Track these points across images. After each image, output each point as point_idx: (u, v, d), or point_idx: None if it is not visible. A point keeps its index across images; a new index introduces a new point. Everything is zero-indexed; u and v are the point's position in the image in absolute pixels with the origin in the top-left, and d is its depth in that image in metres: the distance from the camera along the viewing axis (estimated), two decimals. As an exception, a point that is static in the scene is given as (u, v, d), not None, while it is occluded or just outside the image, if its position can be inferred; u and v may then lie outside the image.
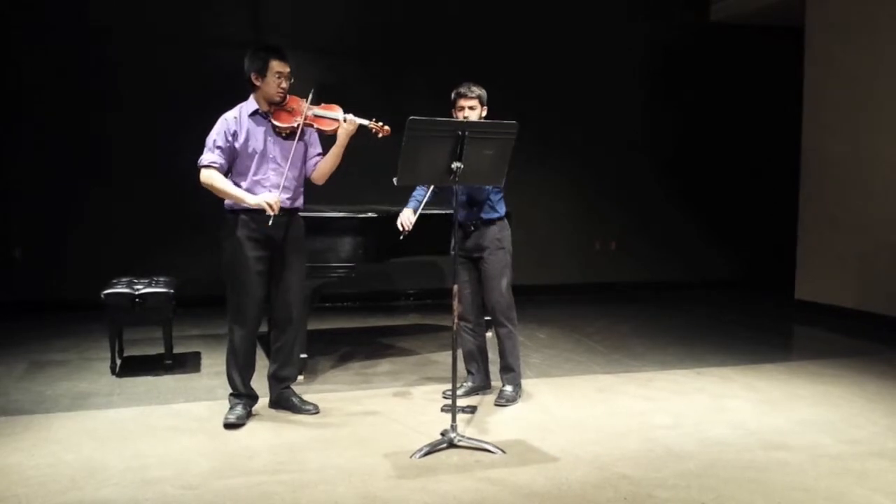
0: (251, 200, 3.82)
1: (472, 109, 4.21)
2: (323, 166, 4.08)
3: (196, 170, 3.89)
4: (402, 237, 4.31)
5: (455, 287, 3.77)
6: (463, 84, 4.26)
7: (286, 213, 3.98)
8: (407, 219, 4.33)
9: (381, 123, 3.95)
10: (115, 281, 5.08)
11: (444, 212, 5.13)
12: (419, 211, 4.34)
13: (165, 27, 7.31)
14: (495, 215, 4.36)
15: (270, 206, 3.76)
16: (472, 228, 4.36)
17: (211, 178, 3.86)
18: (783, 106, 8.73)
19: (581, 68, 8.42)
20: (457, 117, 4.22)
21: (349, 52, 7.69)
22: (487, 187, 4.21)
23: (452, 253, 4.41)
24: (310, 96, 3.96)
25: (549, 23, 8.29)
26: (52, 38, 7.07)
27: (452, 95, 4.29)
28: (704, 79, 9.02)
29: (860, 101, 7.13)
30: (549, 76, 8.20)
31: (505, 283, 4.37)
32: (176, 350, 5.20)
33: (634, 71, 8.75)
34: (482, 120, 4.23)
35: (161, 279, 5.16)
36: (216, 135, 3.89)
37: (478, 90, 4.24)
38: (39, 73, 7.08)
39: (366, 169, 6.03)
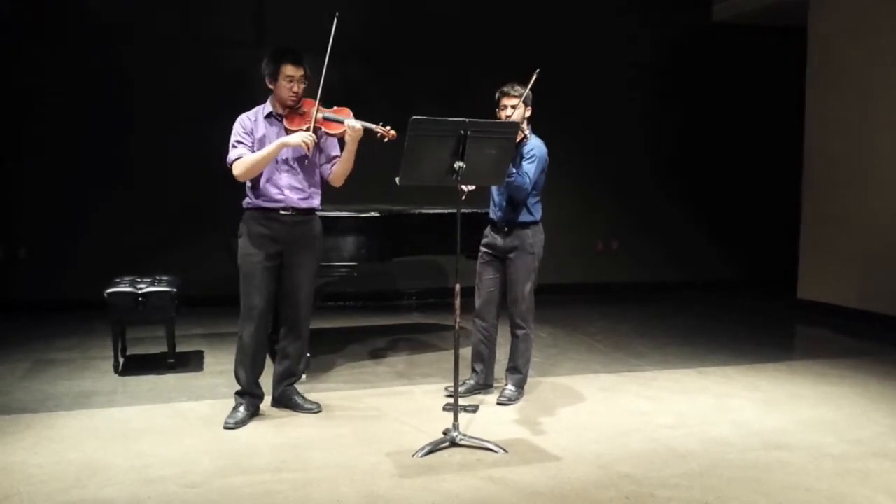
0: (291, 140, 3.86)
1: (514, 108, 4.23)
2: (337, 169, 4.11)
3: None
4: (464, 197, 4.16)
5: (457, 286, 3.77)
6: (507, 83, 4.28)
7: (298, 212, 4.01)
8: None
9: (387, 127, 3.94)
10: (118, 280, 5.09)
11: (447, 211, 5.14)
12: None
13: (169, 28, 7.31)
14: (530, 218, 4.36)
15: (307, 144, 3.82)
16: (507, 229, 4.37)
17: (242, 162, 3.90)
18: (785, 105, 8.72)
19: (583, 68, 8.41)
20: (500, 117, 4.26)
21: (351, 51, 7.67)
22: (527, 188, 4.22)
23: (481, 250, 4.45)
24: (322, 78, 3.91)
25: (551, 22, 8.28)
26: (57, 38, 7.07)
27: (496, 95, 4.31)
28: (707, 78, 9.01)
29: (863, 100, 7.12)
30: (550, 75, 8.04)
31: (528, 287, 4.37)
32: (179, 349, 5.21)
33: (636, 71, 8.73)
34: (524, 120, 4.27)
35: (164, 278, 5.17)
36: (235, 134, 3.97)
37: (521, 89, 4.25)
38: (44, 73, 7.08)
39: (368, 168, 6.02)
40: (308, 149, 3.84)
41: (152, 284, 5.02)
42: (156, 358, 5.29)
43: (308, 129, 3.91)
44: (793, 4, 7.97)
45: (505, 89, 4.28)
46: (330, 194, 4.62)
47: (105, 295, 4.88)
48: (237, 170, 3.91)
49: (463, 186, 4.19)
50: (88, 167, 7.18)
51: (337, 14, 3.84)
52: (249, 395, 4.08)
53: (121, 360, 5.07)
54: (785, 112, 8.74)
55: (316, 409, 4.17)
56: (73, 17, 7.11)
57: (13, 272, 7.10)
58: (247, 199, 4.03)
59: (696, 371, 5.19)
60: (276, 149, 3.89)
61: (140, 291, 4.92)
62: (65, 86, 7.13)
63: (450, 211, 4.83)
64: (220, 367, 5.06)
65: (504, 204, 4.36)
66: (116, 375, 4.93)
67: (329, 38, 3.88)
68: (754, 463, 3.50)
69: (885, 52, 6.86)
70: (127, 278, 5.12)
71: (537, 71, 4.00)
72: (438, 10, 7.98)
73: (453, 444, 3.60)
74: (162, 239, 7.20)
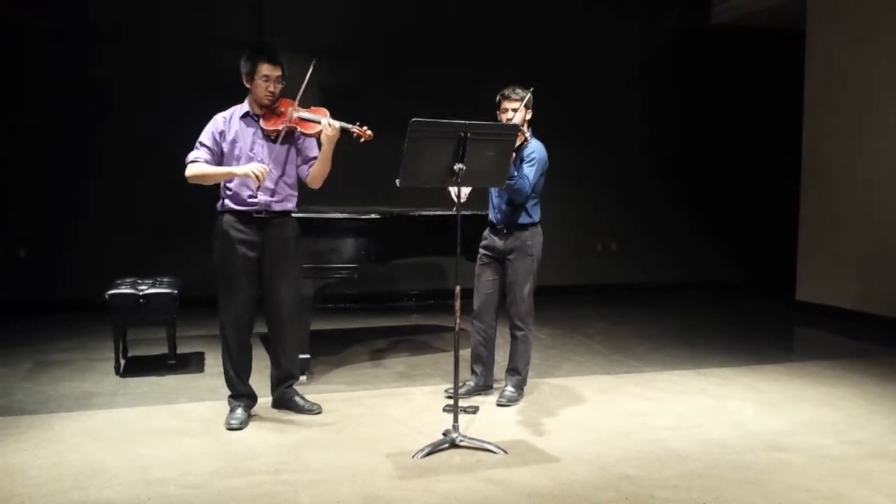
0: (239, 171, 3.82)
1: (515, 112, 4.23)
2: (314, 171, 4.06)
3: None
4: (455, 209, 4.25)
5: (457, 288, 3.77)
6: (508, 87, 4.29)
7: (273, 215, 3.98)
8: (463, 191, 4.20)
9: (364, 127, 3.90)
10: (119, 281, 5.10)
11: (446, 213, 5.15)
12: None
13: (167, 27, 7.33)
14: (529, 220, 4.37)
15: (256, 176, 3.75)
16: (505, 231, 4.38)
17: (194, 168, 3.87)
18: (784, 108, 8.73)
19: (583, 70, 8.43)
20: (501, 119, 4.27)
21: (351, 53, 7.70)
22: (527, 191, 4.23)
23: (480, 252, 4.46)
24: (304, 84, 3.88)
25: (551, 25, 8.30)
26: (55, 37, 7.08)
27: (497, 98, 4.32)
28: (706, 81, 9.03)
29: (860, 102, 7.13)
30: (550, 78, 8.11)
31: (527, 288, 4.38)
32: (179, 350, 5.23)
33: (636, 73, 8.76)
34: (525, 123, 4.28)
35: (165, 279, 5.18)
36: (203, 134, 3.95)
37: (522, 92, 4.25)
38: (42, 72, 7.10)
39: (368, 170, 6.04)
40: (258, 181, 3.75)
41: (153, 286, 5.03)
42: (156, 359, 5.30)
43: (283, 129, 3.90)
44: (791, 7, 7.99)
45: (506, 92, 4.29)
46: (330, 196, 4.63)
47: (106, 296, 4.89)
48: (189, 172, 3.88)
49: (456, 193, 4.23)
50: (89, 167, 7.19)
51: (315, 60, 3.85)
52: (245, 397, 4.10)
53: (122, 362, 5.08)
54: (783, 114, 8.76)
55: (316, 410, 4.17)
56: (73, 18, 7.11)
57: (14, 273, 7.11)
58: (220, 202, 3.98)
59: (695, 372, 5.20)
60: (224, 173, 3.86)
61: (141, 293, 4.93)
62: (64, 86, 7.14)
63: (450, 213, 4.84)
64: (221, 369, 5.02)
65: (503, 206, 4.37)
66: (117, 377, 4.94)
67: (303, 82, 3.88)
68: (753, 464, 3.50)
69: (882, 54, 6.87)
70: (128, 279, 5.13)
71: (531, 90, 3.99)
72: (438, 10, 7.99)
73: (453, 445, 3.61)
74: (163, 239, 7.21)
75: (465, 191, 4.22)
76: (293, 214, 4.13)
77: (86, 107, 7.18)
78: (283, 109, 3.97)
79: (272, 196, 3.96)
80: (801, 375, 5.14)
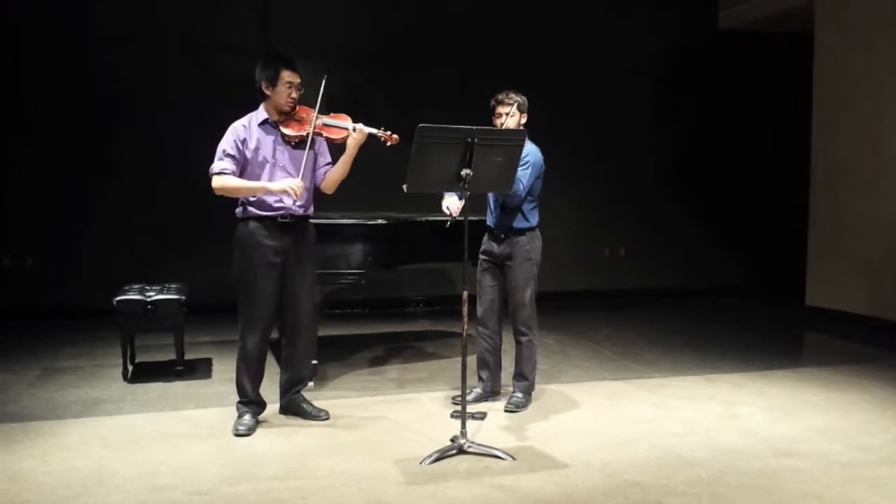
0: (275, 187, 3.84)
1: (510, 116, 4.22)
2: (332, 175, 4.10)
3: (208, 178, 3.91)
4: (448, 225, 4.27)
5: (465, 293, 3.76)
6: (502, 91, 4.29)
7: (297, 220, 4.00)
8: (454, 204, 4.27)
9: (389, 132, 3.95)
10: (126, 288, 5.11)
11: (453, 218, 5.14)
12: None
13: (175, 34, 7.35)
14: (526, 225, 4.35)
15: (294, 191, 3.78)
16: (503, 236, 4.36)
17: (224, 181, 3.88)
18: (792, 112, 8.70)
19: (589, 75, 8.43)
20: (495, 124, 4.26)
21: (357, 59, 7.71)
22: (521, 195, 4.23)
23: (480, 257, 4.45)
24: (320, 94, 3.91)
25: (557, 29, 8.30)
26: (63, 45, 7.12)
27: (491, 102, 4.32)
28: (713, 85, 9.01)
29: (870, 106, 7.10)
30: (556, 82, 8.20)
31: (529, 293, 4.36)
32: (187, 356, 5.22)
33: (643, 78, 8.74)
34: (520, 127, 4.26)
35: (172, 286, 5.19)
36: (226, 143, 3.93)
37: (516, 97, 4.25)
38: (50, 80, 7.13)
39: (376, 176, 6.03)
40: (296, 195, 3.79)
41: (161, 292, 5.05)
42: (164, 365, 5.31)
43: (308, 135, 3.90)
44: (799, 11, 7.97)
45: (499, 97, 4.28)
46: (336, 201, 4.63)
47: (114, 303, 4.91)
48: (216, 183, 3.88)
49: (451, 210, 4.24)
50: (96, 175, 7.22)
51: (326, 76, 3.87)
52: (255, 404, 4.09)
53: (129, 368, 5.09)
54: (791, 118, 8.72)
55: (324, 416, 4.17)
56: (81, 25, 7.15)
57: (21, 280, 7.13)
58: (241, 208, 3.99)
59: (703, 378, 5.17)
60: (258, 188, 3.87)
61: (149, 299, 4.95)
62: (72, 93, 7.17)
63: (457, 218, 4.83)
64: (229, 375, 5.04)
65: (500, 210, 4.35)
66: (125, 383, 4.94)
67: (318, 95, 3.90)
68: (763, 470, 3.48)
69: (891, 58, 6.84)
70: (136, 286, 5.15)
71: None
72: (442, 14, 8.00)
73: (461, 451, 3.60)
74: (171, 246, 7.23)
75: (458, 206, 4.24)
76: (311, 220, 4.16)
77: (91, 114, 7.20)
78: (302, 115, 3.99)
79: (299, 203, 3.97)
80: (810, 381, 5.11)
